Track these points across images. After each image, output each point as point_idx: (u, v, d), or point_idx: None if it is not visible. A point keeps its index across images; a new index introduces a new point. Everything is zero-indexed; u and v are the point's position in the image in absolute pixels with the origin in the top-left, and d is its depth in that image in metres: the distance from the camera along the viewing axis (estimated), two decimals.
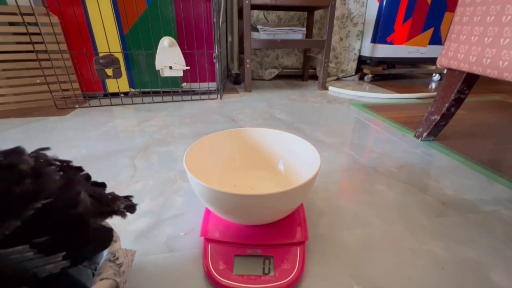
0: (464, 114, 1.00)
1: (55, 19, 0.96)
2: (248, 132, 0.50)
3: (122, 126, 0.85)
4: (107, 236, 0.25)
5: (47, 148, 0.23)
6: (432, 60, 1.55)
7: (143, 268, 0.35)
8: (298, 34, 1.30)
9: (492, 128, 0.87)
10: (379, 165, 0.63)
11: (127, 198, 0.28)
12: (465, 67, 0.60)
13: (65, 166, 0.23)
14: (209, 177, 0.44)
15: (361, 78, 1.67)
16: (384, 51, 1.47)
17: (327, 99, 1.20)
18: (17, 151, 0.21)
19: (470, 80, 0.65)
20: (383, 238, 0.41)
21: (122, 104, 1.06)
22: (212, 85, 1.20)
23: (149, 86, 1.15)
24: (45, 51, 0.92)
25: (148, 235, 0.41)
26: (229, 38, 1.50)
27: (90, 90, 1.11)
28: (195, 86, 1.19)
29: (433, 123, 0.73)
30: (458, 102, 0.68)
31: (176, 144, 0.72)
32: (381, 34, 1.44)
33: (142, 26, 1.05)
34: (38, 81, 1.01)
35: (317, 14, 1.51)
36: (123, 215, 0.27)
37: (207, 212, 0.41)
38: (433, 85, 1.56)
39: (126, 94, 1.17)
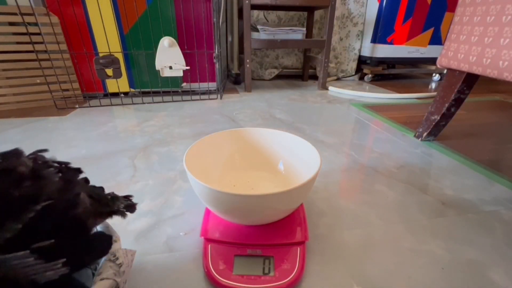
0: (464, 114, 1.00)
1: (55, 19, 0.96)
2: (248, 132, 0.50)
3: (122, 126, 0.85)
4: (107, 243, 0.25)
5: (45, 150, 0.23)
6: (432, 60, 1.55)
7: (143, 268, 0.35)
8: (298, 34, 1.30)
9: (492, 128, 0.87)
10: (379, 165, 0.63)
11: (127, 197, 0.28)
12: (465, 67, 0.60)
13: (64, 168, 0.23)
14: (209, 177, 0.44)
15: (361, 78, 1.67)
16: (384, 51, 1.47)
17: (327, 99, 1.20)
18: (16, 153, 0.21)
19: (470, 80, 0.65)
20: (383, 238, 0.41)
21: (122, 104, 1.06)
22: (212, 85, 1.20)
23: (149, 86, 1.15)
24: (45, 51, 0.92)
25: (148, 235, 0.41)
26: (229, 38, 1.50)
27: (90, 90, 1.11)
28: (195, 86, 1.19)
29: (433, 123, 0.73)
30: (458, 102, 0.68)
31: (176, 144, 0.72)
32: (381, 34, 1.44)
33: (142, 26, 1.05)
34: (38, 81, 1.01)
35: (317, 14, 1.51)
36: (123, 215, 0.27)
37: (207, 212, 0.41)
38: (433, 85, 1.57)
39: (126, 94, 1.17)
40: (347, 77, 1.67)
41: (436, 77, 1.69)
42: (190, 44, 1.11)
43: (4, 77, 0.95)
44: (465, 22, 0.60)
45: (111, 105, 1.05)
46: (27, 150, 0.22)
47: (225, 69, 1.43)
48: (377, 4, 1.42)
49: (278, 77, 1.68)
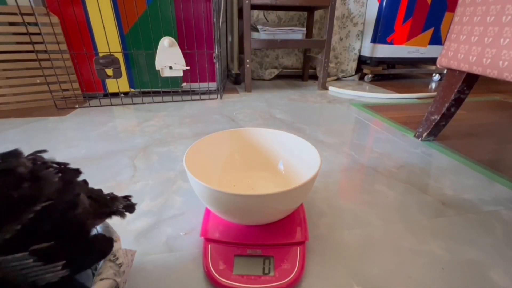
0: (464, 114, 1.00)
1: (55, 19, 0.96)
2: (248, 132, 0.50)
3: (122, 126, 0.85)
4: (107, 245, 0.25)
5: (44, 151, 0.23)
6: (432, 60, 1.55)
7: (143, 268, 0.35)
8: (298, 34, 1.30)
9: (492, 128, 0.87)
10: (379, 165, 0.63)
11: (126, 198, 0.28)
12: (465, 67, 0.60)
13: (63, 168, 0.23)
14: (209, 177, 0.44)
15: (361, 78, 1.67)
16: (384, 51, 1.47)
17: (327, 99, 1.20)
18: (15, 154, 0.21)
19: (470, 80, 0.65)
20: (383, 238, 0.41)
21: (122, 104, 1.06)
22: (212, 85, 1.20)
23: (149, 86, 1.15)
24: (45, 51, 0.92)
25: (148, 235, 0.41)
26: (229, 38, 1.50)
27: (90, 90, 1.11)
28: (195, 86, 1.19)
29: (433, 123, 0.73)
30: (458, 102, 0.68)
31: (176, 144, 0.72)
32: (381, 34, 1.44)
33: (142, 26, 1.05)
34: (38, 81, 1.01)
35: (317, 14, 1.51)
36: (122, 215, 0.27)
37: (207, 212, 0.41)
38: (433, 85, 1.57)
39: (126, 94, 1.17)
40: (347, 77, 1.67)
41: (436, 77, 1.69)
42: (190, 44, 1.11)
43: (4, 77, 0.95)
44: (465, 22, 0.60)
45: (111, 105, 1.05)
46: (27, 150, 0.22)
47: (225, 69, 1.43)
48: (377, 4, 1.42)
49: (278, 77, 1.68)
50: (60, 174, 0.22)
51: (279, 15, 1.52)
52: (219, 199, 0.32)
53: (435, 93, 1.22)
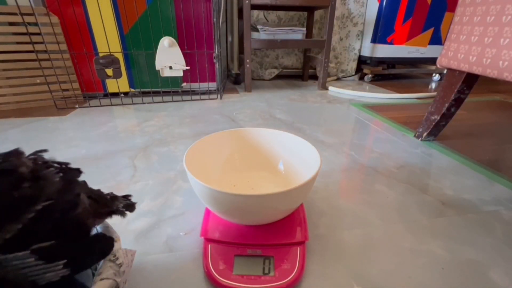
0: (464, 114, 1.00)
1: (55, 19, 0.96)
2: (248, 132, 0.50)
3: (122, 126, 0.85)
4: (107, 245, 0.25)
5: (45, 150, 0.23)
6: (432, 60, 1.55)
7: (143, 268, 0.35)
8: (298, 34, 1.30)
9: (492, 128, 0.87)
10: (379, 165, 0.63)
11: (126, 197, 0.28)
12: (465, 67, 0.60)
13: (64, 168, 0.23)
14: (209, 177, 0.44)
15: (361, 78, 1.67)
16: (384, 51, 1.47)
17: (327, 99, 1.20)
18: (16, 154, 0.21)
19: (470, 80, 0.65)
20: (383, 238, 0.41)
21: (122, 104, 1.06)
22: (212, 85, 1.20)
23: (149, 86, 1.15)
24: (45, 51, 0.92)
25: (148, 235, 0.41)
26: (229, 38, 1.50)
27: (90, 90, 1.11)
28: (195, 86, 1.19)
29: (433, 123, 0.73)
30: (458, 102, 0.68)
31: (176, 144, 0.72)
32: (381, 34, 1.44)
33: (142, 26, 1.05)
34: (38, 81, 1.01)
35: (317, 14, 1.51)
36: (122, 214, 0.27)
37: (207, 212, 0.41)
38: (433, 85, 1.57)
39: (126, 94, 1.17)
40: (347, 77, 1.67)
41: (436, 77, 1.69)
42: (190, 44, 1.11)
43: (4, 77, 0.95)
44: (465, 22, 0.60)
45: (111, 105, 1.05)
46: (27, 150, 0.22)
47: (225, 69, 1.43)
48: (377, 4, 1.42)
49: (278, 77, 1.68)
50: (61, 174, 0.22)
51: (279, 15, 1.52)
52: (219, 199, 0.32)
53: (435, 93, 1.22)
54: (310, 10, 1.46)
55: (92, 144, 0.71)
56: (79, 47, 1.02)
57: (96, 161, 0.62)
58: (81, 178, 0.25)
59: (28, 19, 0.89)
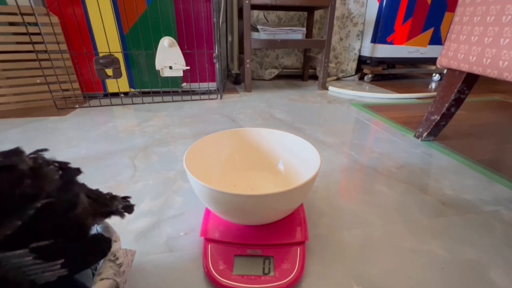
0: (464, 114, 1.00)
1: (55, 19, 0.96)
2: (248, 132, 0.50)
3: (122, 126, 0.85)
4: (106, 245, 0.25)
5: (46, 150, 0.23)
6: (432, 60, 1.55)
7: (143, 268, 0.35)
8: (298, 34, 1.30)
9: (492, 128, 0.87)
10: (379, 165, 0.63)
11: (125, 198, 0.28)
12: (465, 67, 0.60)
13: (64, 167, 0.23)
14: (209, 177, 0.44)
15: (361, 78, 1.67)
16: (384, 51, 1.47)
17: (327, 99, 1.20)
18: (16, 152, 0.21)
19: (470, 80, 0.65)
20: (383, 238, 0.41)
21: (122, 104, 1.06)
22: (212, 85, 1.20)
23: (149, 86, 1.15)
24: (45, 51, 0.92)
25: (148, 235, 0.41)
26: (229, 38, 1.50)
27: (90, 90, 1.11)
28: (195, 86, 1.19)
29: (433, 123, 0.73)
30: (458, 102, 0.68)
31: (176, 144, 0.72)
32: (381, 34, 1.44)
33: (142, 26, 1.05)
34: (38, 81, 1.01)
35: (317, 14, 1.51)
36: (121, 215, 0.27)
37: (207, 212, 0.41)
38: (433, 85, 1.57)
39: (126, 94, 1.17)
40: (347, 77, 1.67)
41: (436, 77, 1.69)
42: (190, 44, 1.11)
43: (4, 77, 0.95)
44: (465, 22, 0.60)
45: (111, 105, 1.05)
46: (28, 150, 0.22)
47: (225, 69, 1.43)
48: (377, 4, 1.42)
49: (278, 77, 1.68)
50: (60, 172, 0.22)
51: (279, 15, 1.52)
52: (219, 199, 0.32)
53: (435, 93, 1.22)
54: (310, 10, 1.46)
55: (92, 144, 0.71)
56: (79, 47, 1.02)
57: (96, 161, 0.62)
58: (81, 178, 0.25)
59: (28, 19, 0.89)
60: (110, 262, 0.25)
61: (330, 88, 1.37)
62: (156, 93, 1.15)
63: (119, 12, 1.02)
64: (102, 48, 1.03)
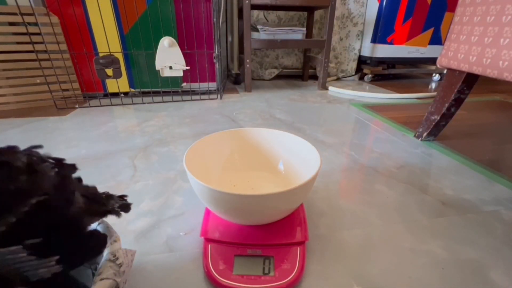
0: (464, 114, 1.00)
1: (55, 19, 0.96)
2: (248, 132, 0.50)
3: (122, 126, 0.85)
4: (101, 242, 0.25)
5: (40, 146, 0.23)
6: (432, 60, 1.55)
7: (143, 268, 0.35)
8: (298, 34, 1.30)
9: (492, 128, 0.87)
10: (379, 165, 0.63)
11: (122, 197, 0.28)
12: (465, 67, 0.60)
13: (60, 164, 0.23)
14: (209, 177, 0.44)
15: (361, 78, 1.67)
16: (384, 51, 1.47)
17: (327, 99, 1.20)
18: (11, 148, 0.21)
19: (470, 80, 0.65)
20: (383, 238, 0.41)
21: (122, 104, 1.06)
22: (212, 85, 1.20)
23: (149, 86, 1.15)
24: (45, 51, 0.92)
25: (148, 235, 0.41)
26: (229, 38, 1.50)
27: (90, 90, 1.11)
28: (195, 86, 1.19)
29: (433, 123, 0.73)
30: (458, 102, 0.68)
31: (176, 144, 0.72)
32: (381, 34, 1.44)
33: (142, 26, 1.05)
34: (38, 81, 1.01)
35: (317, 14, 1.51)
36: (117, 214, 0.27)
37: (207, 212, 0.41)
38: (433, 85, 1.57)
39: (126, 94, 1.17)
40: (347, 77, 1.67)
41: (436, 77, 1.69)
42: (190, 44, 1.11)
43: (4, 77, 0.95)
44: (465, 22, 0.60)
45: (111, 105, 1.05)
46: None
47: (225, 69, 1.43)
48: (377, 4, 1.42)
49: (278, 77, 1.68)
50: (56, 169, 0.22)
51: (279, 15, 1.52)
52: (219, 199, 0.32)
53: (435, 93, 1.22)
54: (310, 10, 1.46)
55: (92, 144, 0.71)
56: (79, 47, 1.02)
57: (96, 161, 0.62)
58: (81, 178, 0.25)
59: (28, 19, 0.89)
60: (110, 262, 0.25)
61: (330, 88, 1.37)
62: (156, 93, 1.15)
63: (119, 12, 1.02)
64: (102, 48, 1.03)
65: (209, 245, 0.35)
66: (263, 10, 1.49)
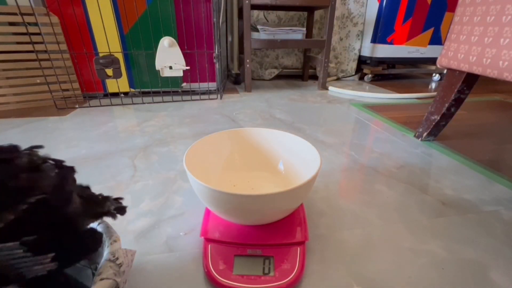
0: (464, 114, 1.00)
1: (55, 19, 0.96)
2: (248, 132, 0.50)
3: (122, 126, 0.85)
4: (96, 240, 0.25)
5: (41, 146, 0.23)
6: (432, 60, 1.55)
7: (143, 268, 0.35)
8: (298, 34, 1.30)
9: (492, 128, 0.87)
10: (379, 165, 0.63)
11: (117, 200, 0.28)
12: (465, 67, 0.60)
13: (59, 165, 0.23)
14: (209, 177, 0.44)
15: (361, 78, 1.67)
16: (384, 51, 1.47)
17: (327, 99, 1.20)
18: (13, 147, 0.21)
19: (470, 80, 0.65)
20: (383, 238, 0.41)
21: (122, 104, 1.06)
22: (212, 85, 1.20)
23: (149, 86, 1.15)
24: (45, 51, 0.92)
25: (148, 235, 0.41)
26: (229, 38, 1.50)
27: (90, 90, 1.11)
28: (195, 86, 1.19)
29: (433, 123, 0.73)
30: (458, 102, 0.68)
31: (176, 144, 0.72)
32: (381, 34, 1.44)
33: (142, 26, 1.05)
34: (38, 81, 1.01)
35: (317, 14, 1.51)
36: (113, 216, 0.27)
37: (207, 212, 0.41)
38: (433, 85, 1.57)
39: (126, 94, 1.17)
40: (347, 77, 1.67)
41: (436, 77, 1.69)
42: (190, 44, 1.11)
43: (4, 77, 0.95)
44: (465, 22, 0.60)
45: (111, 105, 1.05)
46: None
47: (225, 69, 1.43)
48: (377, 4, 1.42)
49: (278, 77, 1.68)
50: (56, 171, 0.22)
51: (279, 15, 1.52)
52: (219, 199, 0.32)
53: (435, 93, 1.22)
54: (310, 10, 1.46)
55: (92, 144, 0.71)
56: (79, 47, 1.02)
57: (96, 161, 0.62)
58: (81, 178, 0.25)
59: (28, 19, 0.89)
60: (110, 262, 0.25)
61: (330, 88, 1.37)
62: (156, 93, 1.15)
63: (119, 12, 1.02)
64: (102, 48, 1.03)
65: (209, 245, 0.35)
66: (263, 10, 1.49)
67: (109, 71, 1.03)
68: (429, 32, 1.47)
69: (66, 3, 0.95)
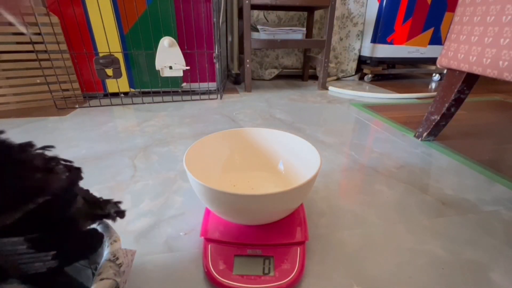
0: (464, 114, 1.00)
1: (55, 19, 0.96)
2: (248, 132, 0.50)
3: (122, 126, 0.85)
4: (97, 240, 0.25)
5: (52, 146, 0.24)
6: (432, 60, 1.55)
7: (143, 268, 0.35)
8: (298, 34, 1.30)
9: (492, 128, 0.87)
10: (379, 165, 0.63)
11: (116, 203, 0.29)
12: (465, 67, 0.60)
13: (70, 167, 0.24)
14: (209, 177, 0.44)
15: (361, 78, 1.67)
16: (384, 51, 1.47)
17: (327, 99, 1.20)
18: (30, 145, 0.22)
19: (470, 80, 0.65)
20: (383, 238, 0.41)
21: (122, 104, 1.06)
22: (212, 85, 1.20)
23: (149, 86, 1.15)
24: (45, 51, 0.92)
25: (148, 235, 0.41)
26: (229, 38, 1.50)
27: (90, 90, 1.11)
28: (195, 86, 1.19)
29: (433, 123, 0.73)
30: (458, 102, 0.68)
31: (176, 144, 0.72)
32: (381, 34, 1.44)
33: (142, 26, 1.05)
34: (38, 81, 1.01)
35: (317, 14, 1.51)
36: (113, 219, 0.27)
37: (207, 212, 0.41)
38: (433, 85, 1.57)
39: (126, 94, 1.17)
40: (347, 77, 1.67)
41: (436, 77, 1.69)
42: (190, 44, 1.11)
43: (4, 77, 0.95)
44: (465, 22, 0.60)
45: (111, 105, 1.05)
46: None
47: (225, 69, 1.43)
48: (377, 4, 1.42)
49: (278, 77, 1.68)
50: (67, 173, 0.23)
51: (279, 15, 1.52)
52: (219, 199, 0.32)
53: (435, 93, 1.22)
54: (310, 10, 1.46)
55: (92, 144, 0.71)
56: (79, 47, 1.02)
57: (96, 161, 0.62)
58: (83, 179, 0.25)
59: (28, 19, 0.89)
60: (110, 262, 0.25)
61: (330, 88, 1.37)
62: (156, 93, 1.15)
63: (119, 12, 1.02)
64: (102, 48, 1.03)
65: (209, 245, 0.35)
66: (263, 10, 1.49)
67: (109, 71, 1.03)
68: (429, 32, 1.47)
69: (66, 3, 0.95)
